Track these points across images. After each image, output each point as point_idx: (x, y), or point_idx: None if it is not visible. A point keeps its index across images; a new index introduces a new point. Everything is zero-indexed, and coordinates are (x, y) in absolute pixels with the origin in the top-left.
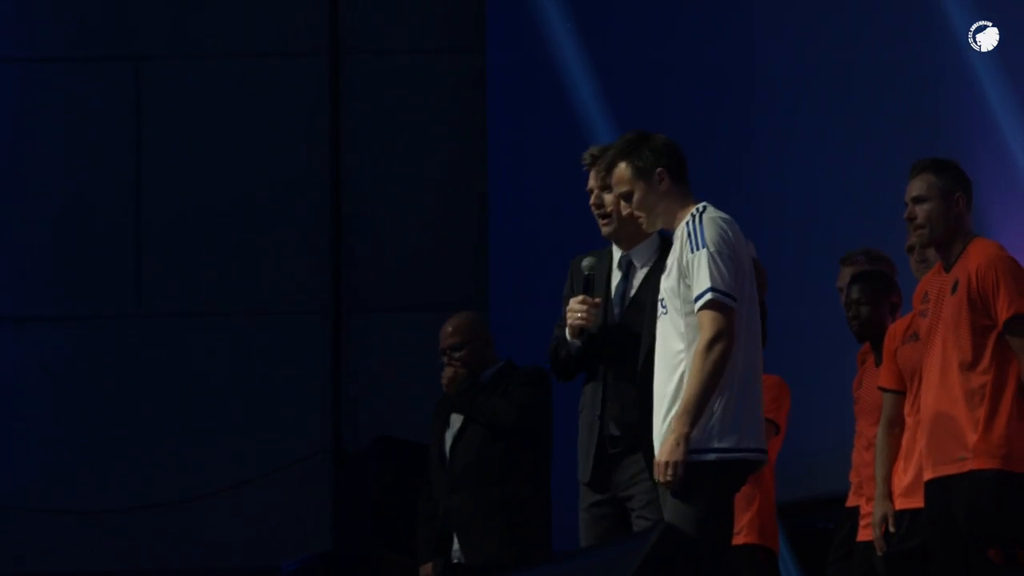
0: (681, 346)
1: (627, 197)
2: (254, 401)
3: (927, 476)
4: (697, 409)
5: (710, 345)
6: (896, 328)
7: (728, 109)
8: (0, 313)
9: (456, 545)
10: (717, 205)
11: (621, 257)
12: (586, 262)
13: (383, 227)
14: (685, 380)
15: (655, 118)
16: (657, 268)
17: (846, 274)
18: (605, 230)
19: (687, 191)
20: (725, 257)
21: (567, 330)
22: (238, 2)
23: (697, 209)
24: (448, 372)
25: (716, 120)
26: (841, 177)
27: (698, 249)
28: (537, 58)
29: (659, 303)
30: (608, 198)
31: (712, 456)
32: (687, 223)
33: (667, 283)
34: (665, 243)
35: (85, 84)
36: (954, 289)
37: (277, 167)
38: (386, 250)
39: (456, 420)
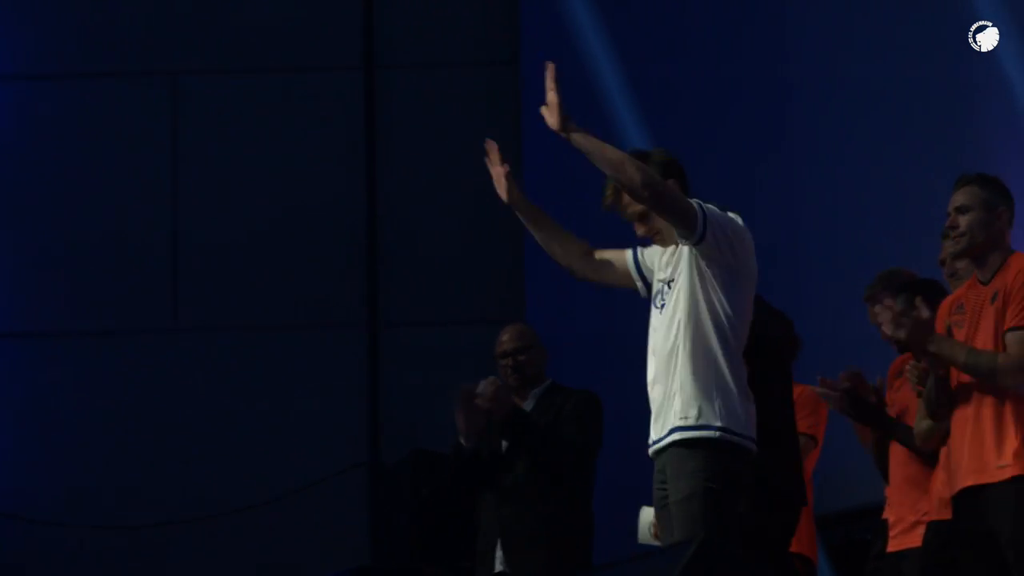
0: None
1: (643, 218)
2: (291, 415)
3: (962, 484)
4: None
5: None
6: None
7: (759, 121)
8: (37, 329)
9: (499, 555)
10: (746, 215)
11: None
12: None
13: (419, 241)
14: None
15: (688, 129)
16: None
17: (873, 313)
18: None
19: None
20: (714, 212)
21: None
22: (273, 17)
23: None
24: (489, 389)
25: (748, 132)
26: (871, 189)
27: None
28: (571, 70)
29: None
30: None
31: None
32: None
33: (664, 275)
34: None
35: (122, 99)
36: (993, 299)
37: (312, 181)
38: (422, 264)
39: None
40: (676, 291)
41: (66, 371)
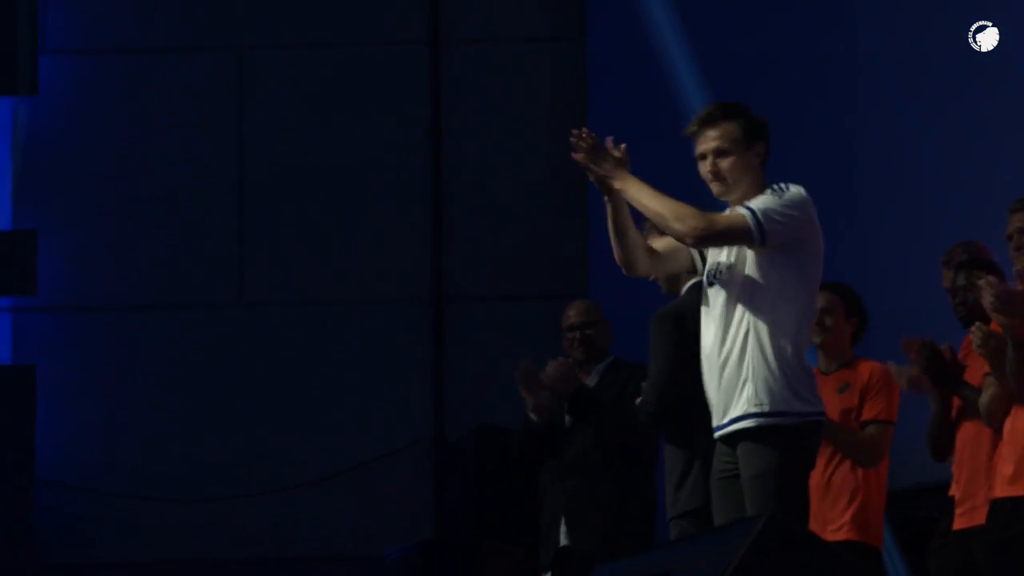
0: (739, 309)
1: (721, 153)
2: (356, 390)
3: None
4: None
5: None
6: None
7: (830, 102)
8: (104, 303)
9: (564, 529)
10: (816, 199)
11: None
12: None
13: (484, 217)
14: (750, 342)
15: (756, 106)
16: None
17: (948, 276)
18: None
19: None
20: (786, 203)
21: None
22: None
23: (778, 184)
24: (555, 369)
25: (818, 113)
26: (945, 174)
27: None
28: (637, 46)
29: (712, 277)
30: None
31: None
32: (771, 188)
33: (724, 259)
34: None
35: (188, 74)
36: None
37: (378, 156)
38: (487, 240)
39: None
40: (740, 272)
41: (133, 344)
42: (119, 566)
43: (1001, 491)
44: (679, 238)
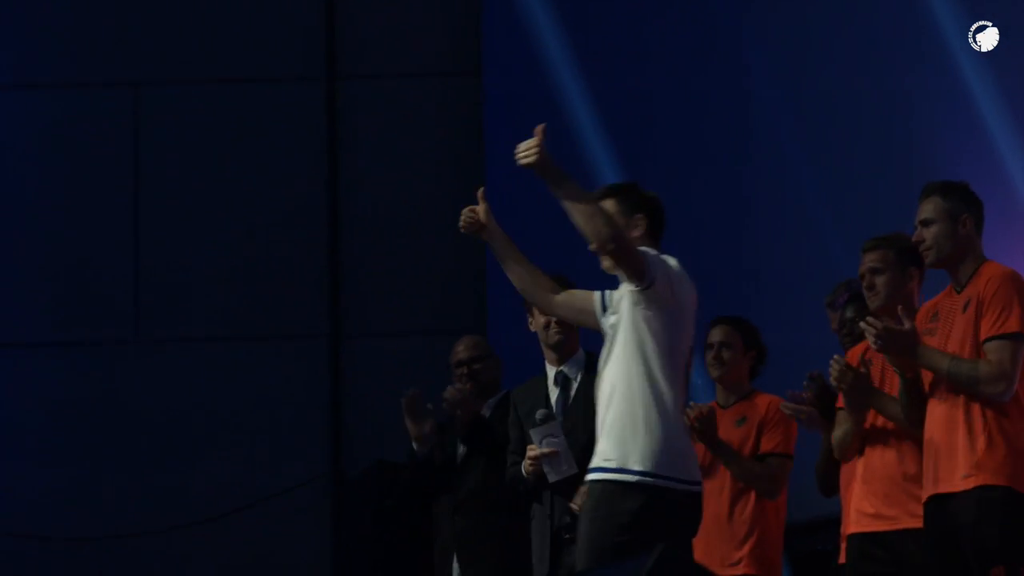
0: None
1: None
2: (252, 426)
3: (929, 492)
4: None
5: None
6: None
7: (723, 132)
8: (1, 340)
9: (456, 567)
10: (708, 226)
11: (556, 373)
12: (539, 414)
13: (381, 251)
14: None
15: (650, 142)
16: (587, 379)
17: (834, 318)
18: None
19: (657, 248)
20: (657, 259)
21: (524, 472)
22: (235, 27)
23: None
24: (453, 392)
25: (711, 144)
26: (837, 197)
27: None
28: (534, 82)
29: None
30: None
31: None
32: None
33: (610, 320)
34: (590, 359)
35: (84, 108)
36: (965, 308)
37: (275, 192)
38: (384, 275)
39: (460, 445)
40: (618, 333)
41: (27, 384)
42: None
43: (857, 527)
44: (600, 240)
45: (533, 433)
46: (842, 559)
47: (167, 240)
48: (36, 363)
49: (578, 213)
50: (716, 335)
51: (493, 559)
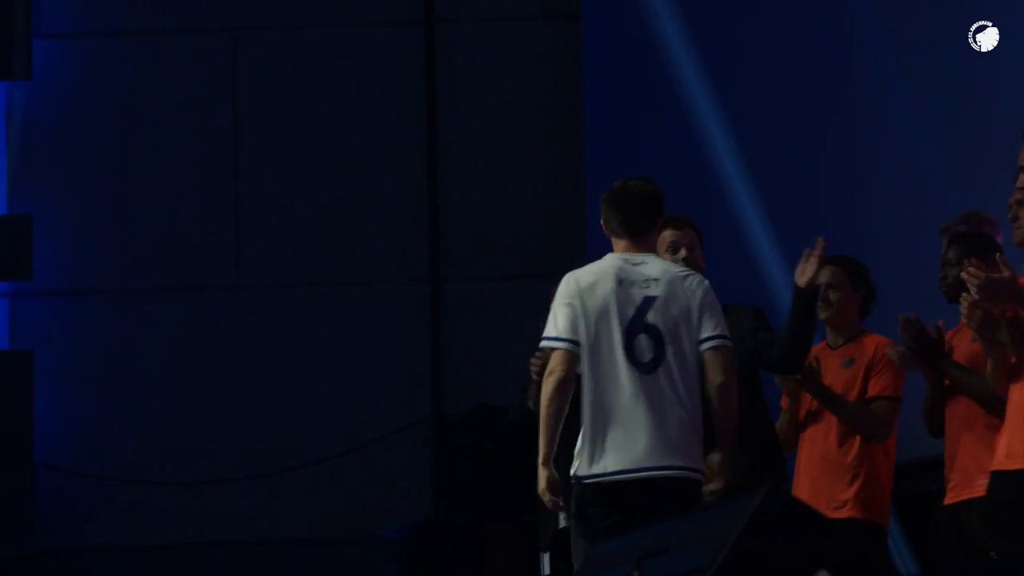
0: None
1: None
2: (354, 372)
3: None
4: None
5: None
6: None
7: (823, 77)
8: (102, 286)
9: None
10: (809, 173)
11: None
12: None
13: (480, 196)
14: None
15: (751, 85)
16: None
17: (946, 245)
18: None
19: (617, 244)
20: (553, 309)
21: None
22: None
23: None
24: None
25: (812, 88)
26: (940, 137)
27: None
28: (633, 25)
29: None
30: None
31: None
32: None
33: None
34: None
35: (182, 56)
36: None
37: (374, 137)
38: (484, 219)
39: None
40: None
41: (130, 328)
42: (117, 549)
43: (999, 464)
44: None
45: None
46: (948, 500)
47: (267, 186)
48: (138, 309)
49: None
50: (823, 276)
51: None
